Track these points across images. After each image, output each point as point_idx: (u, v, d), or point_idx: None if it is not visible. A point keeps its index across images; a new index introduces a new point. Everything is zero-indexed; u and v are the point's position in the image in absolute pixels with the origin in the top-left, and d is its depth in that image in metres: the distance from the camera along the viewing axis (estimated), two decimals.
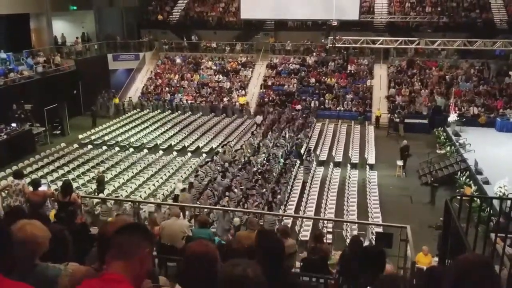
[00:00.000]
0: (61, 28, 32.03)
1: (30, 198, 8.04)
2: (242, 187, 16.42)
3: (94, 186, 17.12)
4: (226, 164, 18.68)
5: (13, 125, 21.62)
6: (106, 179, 17.56)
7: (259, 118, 26.97)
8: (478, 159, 18.63)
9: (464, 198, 7.36)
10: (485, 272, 2.13)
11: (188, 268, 2.18)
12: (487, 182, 17.05)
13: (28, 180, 16.03)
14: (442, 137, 23.72)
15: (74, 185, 17.05)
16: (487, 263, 2.23)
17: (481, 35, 27.90)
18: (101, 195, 15.52)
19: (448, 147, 22.22)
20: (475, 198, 11.63)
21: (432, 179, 18.09)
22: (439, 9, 33.50)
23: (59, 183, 15.17)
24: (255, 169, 18.26)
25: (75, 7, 31.77)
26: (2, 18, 26.51)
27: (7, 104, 22.24)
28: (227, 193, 15.35)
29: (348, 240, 13.03)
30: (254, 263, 2.05)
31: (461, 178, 18.15)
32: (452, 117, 24.11)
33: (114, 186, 17.34)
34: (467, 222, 4.59)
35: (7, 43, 26.82)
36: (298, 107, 29.19)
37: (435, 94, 28.44)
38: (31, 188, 8.36)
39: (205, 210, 13.28)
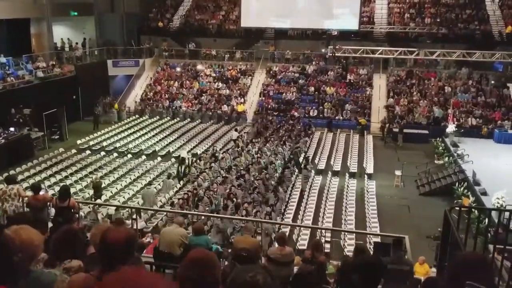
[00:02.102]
0: (62, 33, 32.10)
1: (30, 202, 7.95)
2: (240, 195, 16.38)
3: (91, 191, 17.07)
4: (223, 172, 18.68)
5: (12, 129, 21.58)
6: (103, 185, 17.53)
7: (235, 134, 25.70)
8: (476, 170, 18.64)
9: (462, 209, 7.36)
10: (481, 266, 2.18)
11: (186, 274, 2.17)
12: (485, 193, 17.04)
13: (24, 185, 16.06)
14: (441, 148, 23.75)
15: (71, 190, 17.04)
16: (483, 258, 2.28)
17: (480, 47, 28.08)
18: (98, 201, 15.50)
19: (446, 157, 22.25)
20: (473, 209, 11.62)
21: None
22: (438, 20, 33.69)
23: (57, 188, 15.13)
24: (252, 178, 18.21)
25: (75, 13, 31.86)
26: (3, 23, 26.56)
27: (5, 108, 22.22)
28: (226, 202, 15.31)
29: (345, 250, 13.03)
30: (264, 270, 2.07)
31: (459, 189, 18.15)
32: (451, 128, 24.18)
33: (111, 192, 17.28)
34: (466, 233, 4.58)
35: (7, 47, 26.85)
36: (295, 114, 29.24)
37: (433, 105, 28.54)
38: (30, 193, 8.30)
39: (203, 217, 13.26)
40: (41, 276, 2.69)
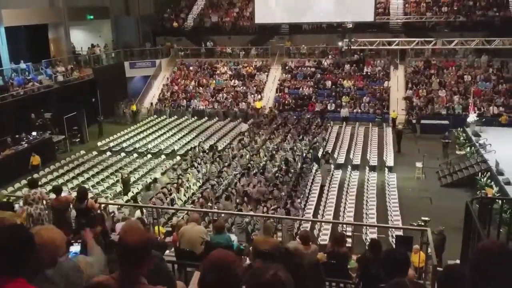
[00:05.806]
0: (79, 37, 32.54)
1: (53, 204, 8.06)
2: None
3: (119, 187, 17.69)
4: (239, 168, 18.73)
5: (34, 133, 21.99)
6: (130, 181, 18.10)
7: (244, 126, 27.01)
8: (499, 159, 18.27)
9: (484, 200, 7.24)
10: (502, 253, 2.18)
11: (207, 278, 2.16)
12: (508, 183, 16.71)
13: (48, 188, 16.34)
14: (462, 138, 23.36)
15: (94, 191, 17.31)
16: (502, 245, 2.29)
17: (499, 34, 27.50)
18: (120, 201, 15.71)
19: (468, 148, 21.88)
20: (497, 200, 11.41)
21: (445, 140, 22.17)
22: (455, 8, 33.09)
23: None
24: (270, 174, 18.19)
25: (92, 17, 32.26)
26: (21, 29, 27.04)
27: (27, 113, 22.63)
28: (246, 199, 15.35)
29: (367, 244, 12.93)
30: (283, 267, 2.01)
31: (482, 179, 17.83)
32: (472, 117, 23.74)
33: (132, 192, 17.49)
34: (488, 223, 4.51)
35: (26, 53, 27.33)
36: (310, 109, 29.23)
37: (453, 94, 28.07)
38: (53, 195, 8.42)
39: (223, 215, 13.31)
40: (64, 262, 2.80)
